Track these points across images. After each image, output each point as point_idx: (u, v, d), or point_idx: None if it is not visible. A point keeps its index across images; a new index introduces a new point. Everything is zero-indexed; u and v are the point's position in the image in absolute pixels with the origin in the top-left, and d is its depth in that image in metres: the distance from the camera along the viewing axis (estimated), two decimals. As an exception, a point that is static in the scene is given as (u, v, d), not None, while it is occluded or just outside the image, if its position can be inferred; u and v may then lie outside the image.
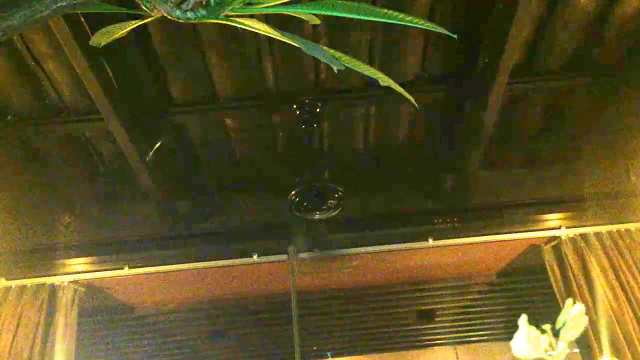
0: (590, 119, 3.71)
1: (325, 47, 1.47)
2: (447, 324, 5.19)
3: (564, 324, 0.96)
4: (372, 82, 3.23)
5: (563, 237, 3.86)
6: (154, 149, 3.14)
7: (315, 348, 5.21)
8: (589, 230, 3.85)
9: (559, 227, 3.90)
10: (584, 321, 0.93)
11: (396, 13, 1.39)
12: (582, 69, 3.31)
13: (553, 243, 3.91)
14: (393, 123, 3.64)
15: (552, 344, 0.94)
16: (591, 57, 3.24)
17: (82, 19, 2.47)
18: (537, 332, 0.94)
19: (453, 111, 3.48)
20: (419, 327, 5.25)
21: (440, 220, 3.91)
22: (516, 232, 3.96)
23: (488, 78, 3.00)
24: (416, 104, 1.56)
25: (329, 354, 5.57)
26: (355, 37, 2.93)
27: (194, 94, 3.21)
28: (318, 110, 3.19)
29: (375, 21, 2.85)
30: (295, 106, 3.20)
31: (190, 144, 3.61)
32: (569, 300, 0.96)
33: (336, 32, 2.87)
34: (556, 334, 0.96)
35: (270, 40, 2.86)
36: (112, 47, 2.73)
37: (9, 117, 3.15)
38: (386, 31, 2.90)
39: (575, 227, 3.88)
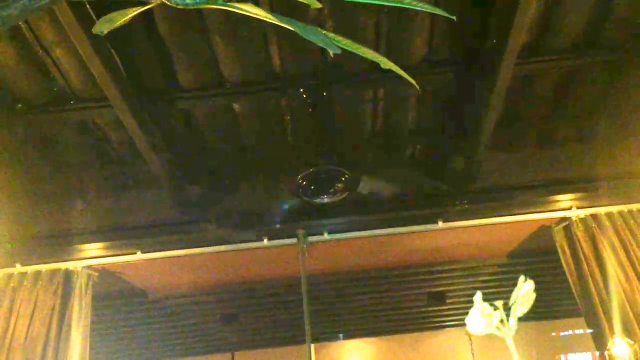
0: (600, 98, 3.67)
1: (324, 31, 1.47)
2: (458, 306, 5.20)
3: (515, 301, 0.98)
4: (379, 65, 3.23)
5: (574, 218, 3.84)
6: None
7: (326, 331, 5.26)
8: (600, 210, 3.83)
9: (570, 208, 3.89)
10: (532, 297, 0.96)
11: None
12: (592, 48, 3.27)
13: (564, 224, 3.89)
14: (401, 105, 3.63)
15: (504, 320, 0.96)
16: (602, 35, 3.20)
17: (88, 6, 2.48)
18: (490, 309, 0.95)
19: (462, 93, 3.46)
20: (429, 309, 5.27)
21: (449, 203, 3.91)
22: (526, 214, 3.94)
23: (496, 59, 2.97)
24: (418, 87, 1.55)
25: (340, 335, 5.61)
26: (361, 20, 2.91)
27: (202, 80, 3.21)
28: (325, 93, 3.18)
29: (380, 5, 2.85)
30: (302, 90, 3.20)
31: (199, 129, 3.63)
32: (521, 278, 0.98)
33: (342, 15, 2.86)
34: (508, 310, 0.97)
35: (276, 24, 2.86)
36: (119, 34, 2.76)
37: (19, 105, 3.18)
38: (392, 14, 2.88)
39: (585, 207, 3.86)
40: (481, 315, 0.95)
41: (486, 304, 0.95)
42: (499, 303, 0.96)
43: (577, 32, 3.17)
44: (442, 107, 3.68)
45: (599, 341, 3.55)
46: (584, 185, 3.92)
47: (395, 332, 5.86)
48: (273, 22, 1.26)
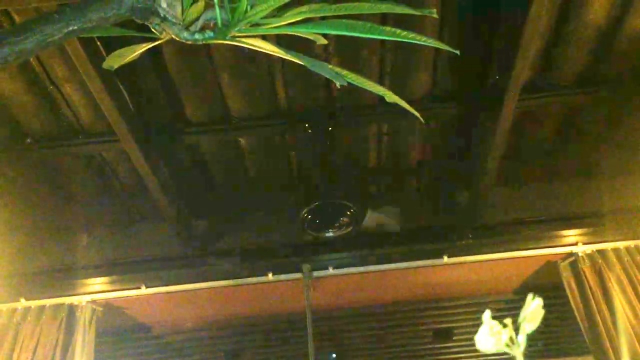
0: (605, 133, 3.69)
1: (331, 65, 1.50)
2: (464, 343, 5.12)
3: (524, 318, 0.99)
4: (384, 100, 3.27)
5: (580, 254, 3.81)
6: None
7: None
8: (607, 246, 3.80)
9: (576, 244, 3.86)
10: (541, 314, 0.97)
11: (399, 31, 1.41)
12: (595, 83, 3.31)
13: (570, 259, 3.86)
14: (406, 140, 3.66)
15: (512, 337, 0.96)
16: (604, 70, 3.24)
17: (98, 43, 2.54)
18: (499, 327, 0.95)
19: (466, 127, 3.49)
20: (435, 345, 5.19)
21: (455, 238, 3.90)
22: (532, 249, 3.92)
23: (499, 94, 3.01)
24: (422, 120, 1.58)
25: (333, 355, 5.49)
26: (365, 55, 2.96)
27: (208, 114, 3.26)
28: (330, 128, 3.21)
29: (385, 40, 2.91)
30: (307, 125, 3.23)
31: (205, 163, 3.66)
32: (530, 295, 0.98)
33: (346, 52, 2.91)
34: (517, 328, 0.98)
35: (282, 59, 2.92)
36: (128, 70, 2.82)
37: (28, 139, 3.22)
38: (396, 49, 2.94)
39: (592, 243, 3.83)
40: (490, 334, 0.95)
41: (495, 322, 0.95)
42: (507, 321, 0.97)
43: (579, 67, 3.21)
44: (447, 142, 3.70)
45: (609, 379, 3.48)
46: (590, 220, 3.90)
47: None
48: (281, 56, 1.29)
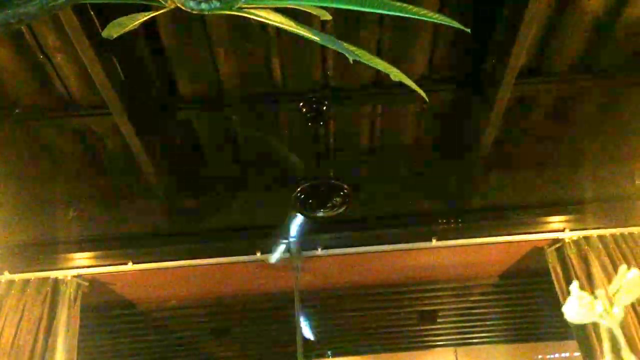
0: (596, 121, 3.72)
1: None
2: (449, 325, 5.19)
3: (618, 289, 0.97)
4: (379, 81, 3.25)
5: (566, 240, 3.86)
6: None
7: (317, 347, 5.21)
8: (593, 233, 3.85)
9: (563, 230, 3.90)
10: (638, 283, 0.95)
11: (410, 6, 1.39)
12: (589, 72, 3.32)
13: (556, 245, 3.91)
14: (399, 122, 3.65)
15: (607, 308, 0.95)
16: (598, 59, 3.25)
17: (92, 12, 2.48)
18: (590, 297, 0.95)
19: (459, 111, 3.49)
20: (420, 328, 5.25)
21: (444, 221, 3.91)
22: (519, 234, 3.95)
23: (495, 79, 3.01)
24: (427, 98, 1.56)
25: (329, 352, 5.57)
26: (363, 35, 2.93)
27: (201, 90, 3.22)
28: (324, 108, 3.19)
29: (383, 20, 2.88)
30: (301, 104, 3.21)
31: (197, 140, 3.62)
32: (623, 266, 0.98)
33: (344, 30, 2.88)
34: (610, 299, 0.97)
35: (278, 37, 2.88)
36: (121, 44, 2.77)
37: (17, 110, 3.16)
38: (394, 30, 2.91)
39: (578, 229, 3.88)
40: (580, 305, 0.94)
41: (584, 293, 0.95)
42: (599, 292, 0.96)
43: (574, 55, 3.21)
44: (440, 125, 3.70)
45: (591, 365, 3.54)
46: (577, 207, 3.94)
47: (385, 351, 5.82)
48: (288, 29, 1.26)
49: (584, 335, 3.60)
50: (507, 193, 4.03)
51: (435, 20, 1.44)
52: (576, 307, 0.96)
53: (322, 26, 2.82)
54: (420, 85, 3.27)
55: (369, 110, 3.49)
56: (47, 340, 3.62)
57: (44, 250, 3.90)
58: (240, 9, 1.39)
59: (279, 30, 2.80)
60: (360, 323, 5.14)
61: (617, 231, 3.85)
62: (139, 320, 4.65)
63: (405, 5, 1.41)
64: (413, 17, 1.44)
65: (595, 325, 3.56)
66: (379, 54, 3.02)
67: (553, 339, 5.57)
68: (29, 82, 3.01)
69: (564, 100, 3.60)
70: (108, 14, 2.29)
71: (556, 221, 3.95)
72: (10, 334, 3.60)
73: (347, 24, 2.84)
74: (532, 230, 3.96)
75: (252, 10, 1.36)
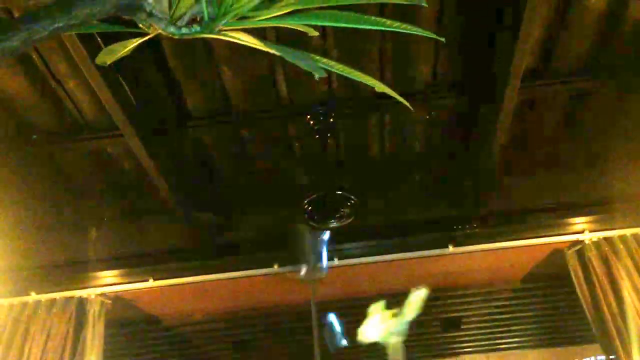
0: (610, 120, 3.66)
1: (325, 59, 1.51)
2: (475, 332, 5.13)
3: (406, 306, 1.02)
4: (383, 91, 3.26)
5: (587, 241, 3.79)
6: None
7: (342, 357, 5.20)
8: (614, 233, 3.78)
9: (582, 231, 3.83)
10: (420, 302, 1.00)
11: (386, 20, 1.42)
12: (598, 71, 3.28)
13: (577, 247, 3.84)
14: (409, 130, 3.66)
15: (396, 324, 0.98)
16: (607, 58, 3.21)
17: (99, 39, 2.56)
18: (387, 314, 0.97)
19: (468, 117, 3.48)
20: (446, 335, 5.21)
21: (459, 227, 3.89)
22: (538, 237, 3.90)
23: (500, 82, 2.99)
24: (412, 108, 1.58)
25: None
26: (365, 48, 2.96)
27: (210, 108, 3.28)
28: (331, 120, 3.22)
29: (384, 30, 2.90)
30: (308, 117, 3.24)
31: (209, 156, 3.68)
32: (415, 289, 1.01)
33: (346, 43, 2.91)
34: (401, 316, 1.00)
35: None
36: (129, 66, 2.85)
37: (34, 136, 3.26)
38: (396, 41, 2.93)
39: (599, 230, 3.81)
40: (379, 323, 0.97)
41: (385, 312, 0.97)
42: (393, 311, 0.99)
43: (582, 55, 3.19)
44: (450, 131, 3.69)
45: (615, 367, 3.47)
46: (597, 208, 3.87)
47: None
48: (262, 49, 1.30)
49: (608, 339, 3.53)
50: (525, 196, 3.98)
51: (413, 32, 1.46)
52: (375, 325, 0.98)
53: (324, 39, 2.86)
54: (426, 93, 3.29)
55: (376, 120, 3.50)
56: (73, 358, 3.72)
57: (68, 270, 4.02)
58: (217, 32, 1.43)
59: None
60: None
61: (638, 231, 3.77)
62: (162, 336, 4.73)
63: (381, 19, 1.44)
64: (383, 29, 1.47)
65: (618, 329, 3.49)
66: (381, 63, 3.04)
67: (581, 342, 5.46)
68: (44, 108, 3.12)
69: (575, 101, 3.56)
70: (113, 40, 2.36)
71: (575, 223, 3.89)
72: (38, 353, 3.71)
73: (348, 37, 2.87)
74: (552, 233, 3.91)
75: (229, 33, 1.40)
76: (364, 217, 3.74)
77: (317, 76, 1.19)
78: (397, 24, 1.45)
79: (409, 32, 1.47)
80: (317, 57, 1.48)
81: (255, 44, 1.30)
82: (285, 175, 3.71)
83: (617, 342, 3.48)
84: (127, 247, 4.04)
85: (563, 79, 3.34)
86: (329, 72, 3.31)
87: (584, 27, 3.02)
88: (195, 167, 3.71)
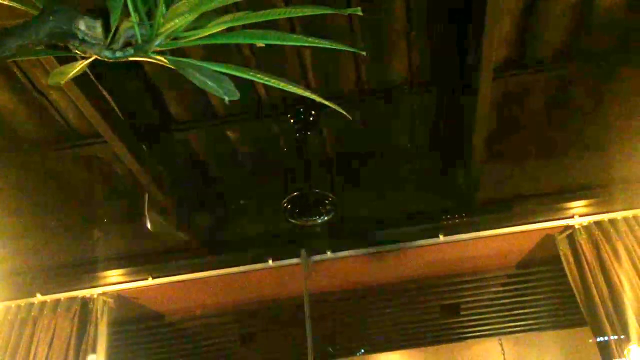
0: (593, 106, 3.66)
1: (252, 72, 1.57)
2: (474, 317, 5.18)
3: None
4: (364, 87, 3.31)
5: (577, 226, 3.81)
6: None
7: (330, 349, 5.30)
8: (603, 217, 3.79)
9: (572, 216, 3.85)
10: None
11: (308, 37, 1.49)
12: (576, 57, 3.28)
13: (567, 232, 3.85)
14: (392, 124, 3.69)
15: None
16: (583, 44, 3.21)
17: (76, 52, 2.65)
18: None
19: (449, 109, 3.50)
20: (444, 322, 5.27)
21: (449, 216, 3.93)
22: (528, 224, 3.92)
23: (476, 74, 3.01)
24: (349, 117, 1.63)
25: (362, 350, 5.64)
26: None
27: (193, 111, 3.36)
28: (311, 118, 3.27)
29: (353, 27, 2.94)
30: (289, 115, 3.30)
31: (198, 157, 3.77)
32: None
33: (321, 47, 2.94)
34: None
35: (255, 53, 2.98)
36: (109, 74, 2.94)
37: (25, 145, 3.38)
38: (365, 38, 2.95)
39: (588, 214, 3.82)
40: None
41: None
42: None
43: (557, 42, 3.19)
44: (434, 124, 3.72)
45: (605, 350, 3.50)
46: (586, 192, 3.88)
47: (411, 347, 5.86)
48: (181, 72, 1.37)
49: (598, 322, 3.55)
50: (514, 183, 4.01)
51: (335, 47, 1.53)
52: None
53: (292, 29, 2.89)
54: (404, 89, 3.31)
55: (359, 115, 3.54)
56: (78, 356, 3.87)
57: (71, 272, 4.17)
58: (150, 55, 1.50)
59: (252, 48, 2.90)
60: (382, 321, 5.20)
61: (628, 214, 3.77)
62: (165, 331, 4.87)
63: (304, 37, 1.52)
64: (320, 45, 1.54)
65: (607, 312, 3.51)
66: (356, 62, 3.08)
67: (567, 326, 5.46)
68: (31, 118, 3.22)
69: (557, 88, 3.56)
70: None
71: (565, 208, 3.90)
72: (44, 352, 3.86)
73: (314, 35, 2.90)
74: (541, 219, 3.92)
75: (158, 57, 1.47)
76: (353, 210, 3.82)
77: (226, 99, 1.25)
78: (317, 40, 1.52)
79: (330, 47, 1.54)
80: (244, 69, 1.56)
81: (174, 66, 1.38)
82: (269, 174, 3.78)
83: (607, 325, 3.50)
84: (127, 247, 4.16)
85: (539, 66, 3.35)
86: (304, 72, 3.34)
87: (556, 14, 3.02)
88: (187, 169, 3.80)
